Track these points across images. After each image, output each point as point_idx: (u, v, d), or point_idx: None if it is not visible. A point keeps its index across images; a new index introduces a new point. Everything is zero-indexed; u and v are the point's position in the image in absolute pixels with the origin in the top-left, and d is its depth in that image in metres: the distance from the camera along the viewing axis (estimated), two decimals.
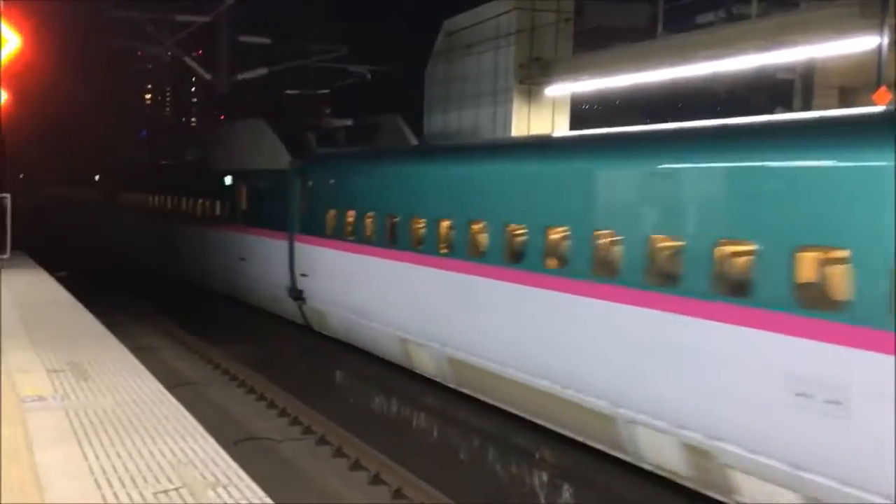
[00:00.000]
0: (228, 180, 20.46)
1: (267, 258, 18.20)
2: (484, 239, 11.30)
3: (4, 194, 17.80)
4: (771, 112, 15.69)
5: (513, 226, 10.72)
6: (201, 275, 22.89)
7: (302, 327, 17.96)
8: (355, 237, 14.54)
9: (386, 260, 13.48)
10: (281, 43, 20.51)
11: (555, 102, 18.86)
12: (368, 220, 14.15)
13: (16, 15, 11.86)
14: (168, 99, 77.34)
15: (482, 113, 19.04)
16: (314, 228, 16.11)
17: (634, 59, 16.16)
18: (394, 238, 13.35)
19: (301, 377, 16.77)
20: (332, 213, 15.44)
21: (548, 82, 18.23)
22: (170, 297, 24.86)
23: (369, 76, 20.97)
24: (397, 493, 10.90)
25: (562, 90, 18.45)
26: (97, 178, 35.33)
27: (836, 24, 12.36)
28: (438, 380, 12.68)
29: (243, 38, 19.90)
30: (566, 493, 10.89)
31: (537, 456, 11.49)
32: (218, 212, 21.37)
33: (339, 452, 12.23)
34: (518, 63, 18.53)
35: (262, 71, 20.10)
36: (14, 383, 8.28)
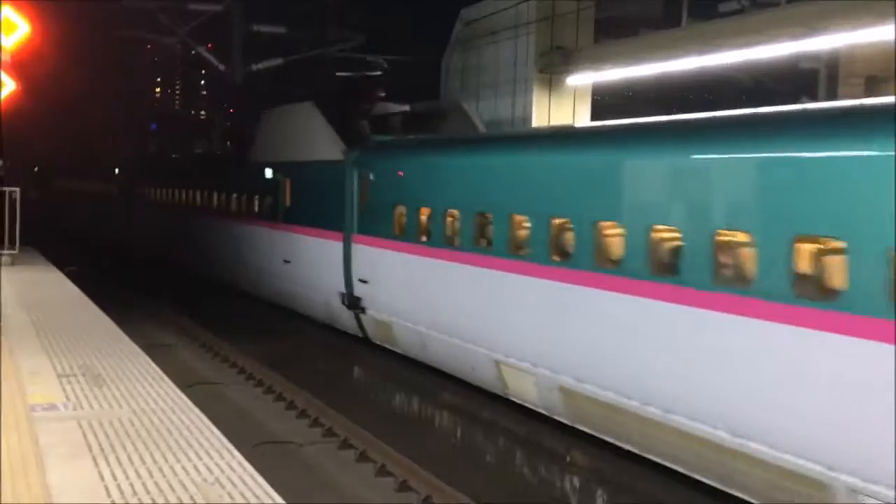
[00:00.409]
0: (269, 173, 18.51)
1: (317, 261, 16.32)
2: (617, 244, 9.27)
3: (13, 188, 17.45)
4: (797, 102, 15.20)
5: (660, 227, 8.68)
6: (237, 278, 21.02)
7: (321, 326, 17.47)
8: (432, 239, 12.57)
9: (475, 267, 11.47)
10: (296, 32, 19.91)
11: (576, 92, 18.51)
12: (450, 220, 12.22)
13: (26, 4, 11.47)
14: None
15: (501, 103, 18.63)
16: (377, 228, 14.12)
17: (661, 48, 15.75)
18: (486, 241, 11.47)
19: (319, 375, 16.30)
20: (400, 210, 13.50)
21: (569, 71, 17.84)
22: (184, 292, 24.40)
23: (385, 65, 20.42)
24: (426, 502, 10.40)
25: (584, 79, 18.07)
26: (117, 171, 34.39)
27: (881, 10, 11.87)
28: (541, 411, 10.90)
29: (257, 28, 19.43)
30: (600, 498, 10.43)
31: (568, 459, 11.05)
32: (256, 208, 19.47)
33: (363, 457, 11.70)
34: (539, 52, 18.16)
35: (277, 61, 19.65)
36: (23, 389, 7.80)
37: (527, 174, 10.89)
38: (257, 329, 19.65)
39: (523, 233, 10.77)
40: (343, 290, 15.13)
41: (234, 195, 20.94)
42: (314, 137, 16.86)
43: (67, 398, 7.50)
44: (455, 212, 12.10)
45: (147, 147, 39.28)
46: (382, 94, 17.71)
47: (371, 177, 14.40)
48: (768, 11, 14.38)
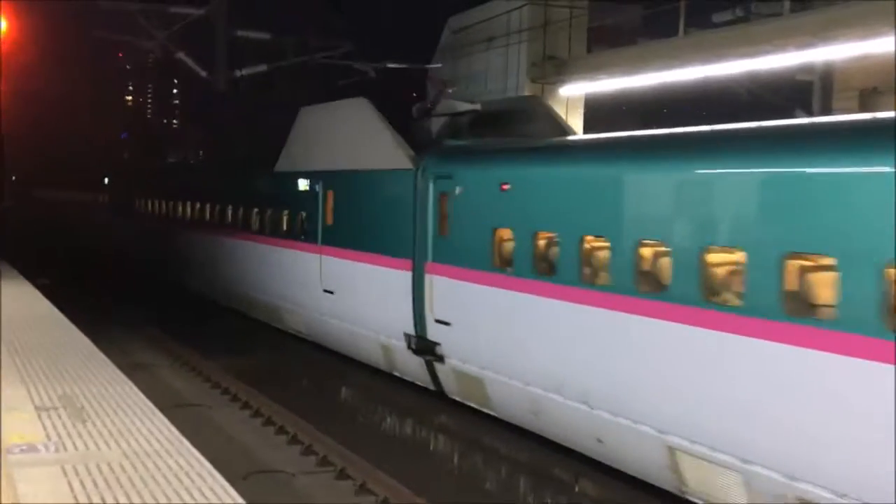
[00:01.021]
0: (304, 184, 15.92)
1: (372, 293, 13.69)
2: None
3: None
4: (791, 115, 14.86)
5: None
6: (257, 307, 18.59)
7: (300, 340, 16.84)
8: (561, 275, 9.70)
9: (640, 317, 8.50)
10: (281, 38, 19.25)
11: (568, 102, 18.20)
12: (590, 248, 9.64)
13: (5, 3, 10.83)
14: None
15: None
16: (466, 256, 11.32)
17: (656, 58, 15.46)
18: (655, 280, 8.84)
19: (306, 395, 15.64)
20: (504, 234, 10.88)
21: (562, 81, 17.53)
22: (163, 306, 23.60)
23: (373, 73, 19.77)
24: None
25: (577, 90, 17.77)
26: (106, 181, 32.82)
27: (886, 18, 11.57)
28: None
29: (241, 33, 18.74)
30: None
31: (577, 488, 10.53)
32: (285, 226, 16.83)
33: (363, 489, 10.96)
34: (531, 61, 17.83)
35: (262, 67, 19.00)
36: None
37: (727, 194, 7.92)
38: (240, 345, 18.94)
39: (723, 271, 8.19)
40: (411, 331, 12.55)
41: (256, 209, 18.38)
42: (368, 141, 14.24)
43: (48, 437, 6.73)
44: (600, 240, 9.49)
45: (146, 155, 37.95)
46: (451, 90, 15.14)
47: (456, 191, 11.63)
48: (767, 21, 14.14)
